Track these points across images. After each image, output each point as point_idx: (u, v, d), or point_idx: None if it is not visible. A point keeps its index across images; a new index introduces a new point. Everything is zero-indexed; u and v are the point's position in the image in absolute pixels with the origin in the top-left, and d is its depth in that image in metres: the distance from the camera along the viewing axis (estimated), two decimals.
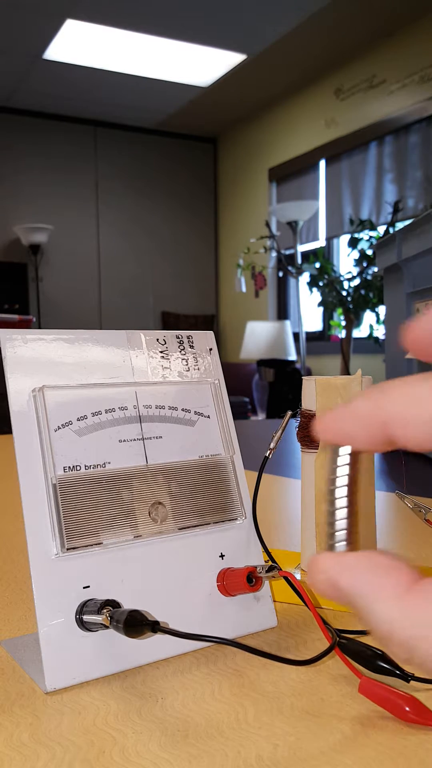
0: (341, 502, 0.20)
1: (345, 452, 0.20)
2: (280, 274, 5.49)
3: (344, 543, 0.20)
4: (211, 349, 0.48)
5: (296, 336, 4.72)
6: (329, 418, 0.20)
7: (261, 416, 4.57)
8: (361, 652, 0.37)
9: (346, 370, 3.92)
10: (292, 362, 4.59)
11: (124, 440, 0.42)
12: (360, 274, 3.91)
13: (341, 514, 0.20)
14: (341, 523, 0.20)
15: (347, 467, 0.20)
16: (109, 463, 0.41)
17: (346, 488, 0.20)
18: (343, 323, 4.04)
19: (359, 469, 0.20)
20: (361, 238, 3.90)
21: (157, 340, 0.46)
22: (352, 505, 0.20)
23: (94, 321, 5.70)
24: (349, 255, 4.03)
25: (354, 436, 0.19)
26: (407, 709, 0.33)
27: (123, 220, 5.82)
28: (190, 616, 0.41)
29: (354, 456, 0.20)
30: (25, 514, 0.38)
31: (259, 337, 4.72)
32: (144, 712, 0.34)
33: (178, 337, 0.47)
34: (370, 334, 3.89)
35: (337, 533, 0.20)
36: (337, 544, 0.20)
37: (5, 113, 5.31)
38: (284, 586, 0.49)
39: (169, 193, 5.97)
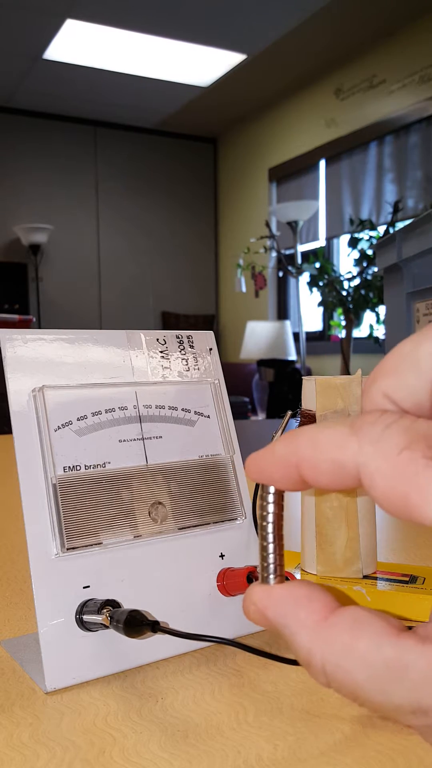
0: (270, 537, 0.22)
1: (271, 491, 0.22)
2: (280, 274, 5.49)
3: (272, 576, 0.22)
4: (211, 349, 0.48)
5: (296, 336, 4.72)
6: (252, 459, 0.22)
7: (261, 416, 4.57)
8: None
9: (346, 370, 3.93)
10: (292, 362, 4.59)
11: (124, 440, 0.42)
12: (360, 274, 3.91)
13: (270, 548, 0.22)
14: (271, 557, 0.22)
15: (273, 505, 0.22)
16: (109, 463, 0.41)
17: (273, 525, 0.22)
18: (343, 323, 4.04)
19: (283, 507, 0.22)
20: (361, 238, 3.90)
21: (157, 340, 0.46)
22: (279, 540, 0.22)
23: (94, 321, 5.70)
24: (349, 255, 4.04)
25: (273, 477, 0.21)
26: None
27: (123, 220, 5.82)
28: (190, 616, 0.41)
29: (278, 495, 0.22)
30: (25, 514, 0.38)
31: (259, 337, 4.72)
32: (144, 712, 0.34)
33: (178, 337, 0.47)
34: (370, 334, 3.89)
35: (268, 566, 0.22)
36: (267, 578, 0.22)
37: (5, 113, 5.31)
38: None
39: (169, 193, 5.97)
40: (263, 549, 0.22)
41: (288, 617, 0.20)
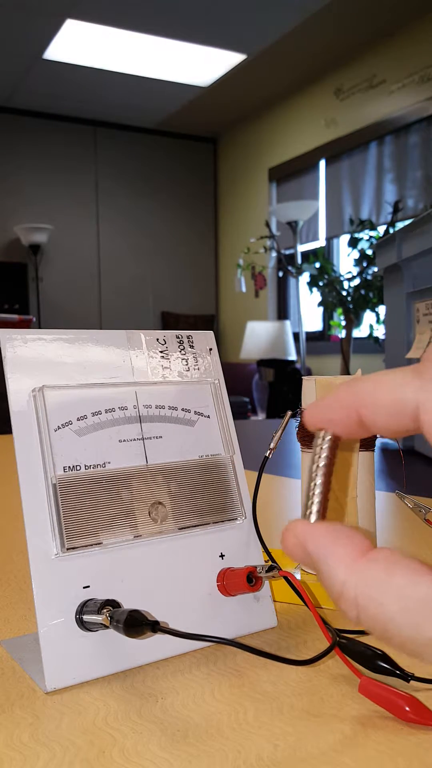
0: (319, 479, 0.23)
1: (327, 437, 0.23)
2: (280, 274, 5.49)
3: (317, 514, 0.23)
4: (211, 349, 0.48)
5: (296, 336, 4.72)
6: (314, 405, 0.23)
7: (261, 416, 4.57)
8: (361, 652, 0.37)
9: (346, 370, 3.93)
10: (292, 362, 4.59)
11: (124, 440, 0.42)
12: (360, 274, 3.91)
13: (318, 489, 0.23)
14: (317, 497, 0.23)
15: (328, 450, 0.23)
16: (109, 463, 0.41)
17: (325, 468, 0.23)
18: (343, 323, 4.04)
19: (337, 454, 0.24)
20: (361, 238, 3.90)
21: (157, 340, 0.46)
22: (327, 484, 0.23)
23: (94, 321, 5.70)
24: (349, 255, 4.03)
25: (333, 420, 0.23)
26: (407, 709, 0.33)
27: (123, 220, 5.82)
28: (190, 616, 0.41)
29: (334, 441, 0.23)
30: (25, 514, 0.38)
31: (259, 337, 4.72)
32: (144, 712, 0.34)
33: (178, 337, 0.47)
34: (370, 334, 3.89)
35: (312, 504, 0.23)
36: (311, 514, 0.23)
37: (5, 113, 5.31)
38: (284, 586, 0.49)
39: (169, 193, 5.97)
40: (311, 489, 0.23)
41: (327, 551, 0.21)
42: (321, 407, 0.23)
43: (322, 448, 0.24)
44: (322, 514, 0.23)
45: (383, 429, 0.21)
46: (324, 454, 0.23)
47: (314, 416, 0.23)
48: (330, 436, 0.23)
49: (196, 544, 0.43)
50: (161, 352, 0.46)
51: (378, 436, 0.52)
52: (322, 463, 0.23)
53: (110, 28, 4.04)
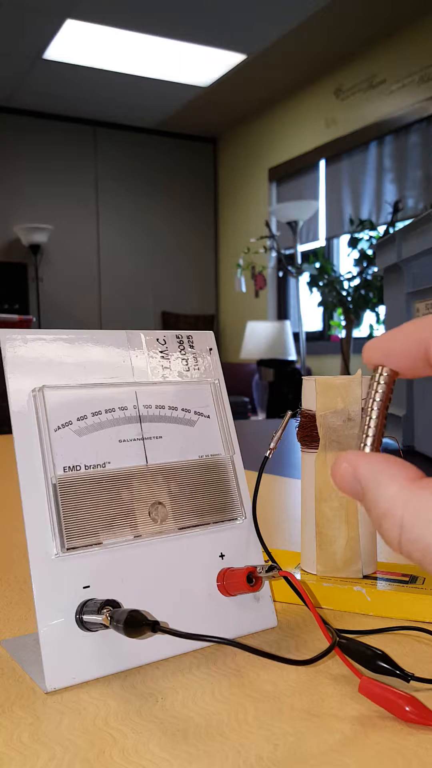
0: (375, 413, 0.24)
1: (385, 373, 0.24)
2: (280, 274, 5.49)
3: (370, 446, 0.24)
4: (211, 349, 0.48)
5: (296, 336, 4.72)
6: (377, 338, 0.23)
7: (261, 416, 4.57)
8: (361, 652, 0.37)
9: (346, 370, 3.93)
10: (292, 362, 4.59)
11: (124, 440, 0.42)
12: (360, 274, 3.91)
13: (373, 423, 0.24)
14: (372, 430, 0.24)
15: (385, 386, 0.24)
16: (109, 463, 0.41)
17: (380, 402, 0.24)
18: (343, 323, 4.04)
19: (392, 392, 0.24)
20: (361, 238, 3.90)
21: (157, 340, 0.46)
22: (382, 418, 0.24)
23: (94, 321, 5.70)
24: (349, 255, 4.04)
25: (399, 352, 0.23)
26: (407, 709, 0.33)
27: (123, 220, 5.82)
28: (190, 616, 0.41)
29: (391, 377, 0.24)
30: (25, 514, 0.38)
31: (259, 337, 4.72)
32: (144, 712, 0.34)
33: (178, 337, 0.47)
34: (370, 334, 3.89)
35: (367, 438, 0.24)
36: (365, 446, 0.24)
37: (5, 113, 5.31)
38: (284, 586, 0.49)
39: (169, 193, 5.97)
40: (366, 423, 0.24)
41: (379, 472, 0.21)
42: (385, 339, 0.23)
43: (379, 383, 0.24)
44: (376, 448, 0.24)
45: None
46: (381, 389, 0.24)
47: (376, 348, 0.23)
48: (388, 372, 0.23)
49: (196, 544, 0.43)
50: (161, 352, 0.46)
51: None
52: (378, 398, 0.24)
53: (110, 28, 4.04)
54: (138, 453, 0.42)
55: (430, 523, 0.19)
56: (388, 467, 0.21)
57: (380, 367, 0.24)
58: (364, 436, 0.24)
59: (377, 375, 0.24)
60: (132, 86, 4.89)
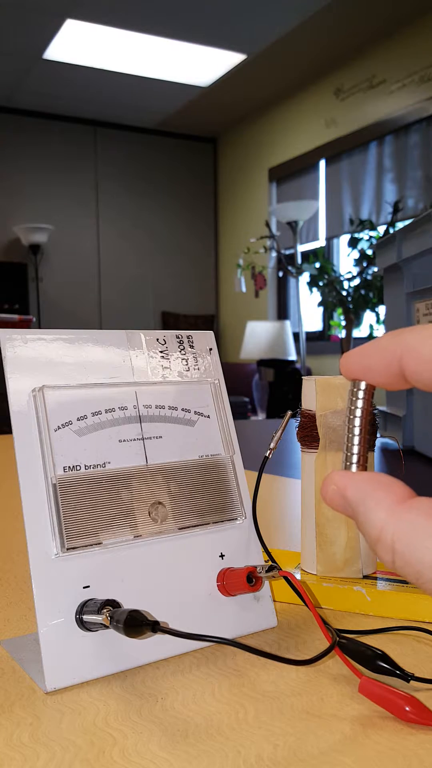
0: (356, 430, 0.23)
1: (363, 387, 0.23)
2: (280, 274, 5.49)
3: (355, 465, 0.23)
4: (211, 349, 0.48)
5: (296, 336, 4.72)
6: (353, 352, 0.23)
7: (261, 416, 4.57)
8: (361, 652, 0.37)
9: None
10: (292, 362, 4.59)
11: (124, 440, 0.42)
12: (360, 274, 3.91)
13: (356, 440, 0.23)
14: (355, 447, 0.23)
15: (363, 401, 0.23)
16: (109, 463, 0.41)
17: (360, 419, 0.23)
18: (343, 323, 4.04)
19: (372, 404, 0.24)
20: (361, 238, 3.90)
21: (157, 340, 0.46)
22: (365, 434, 0.23)
23: (94, 321, 5.70)
24: (349, 255, 4.04)
25: (374, 367, 0.22)
26: (407, 709, 0.33)
27: (123, 220, 5.82)
28: (190, 616, 0.41)
29: (368, 391, 0.23)
30: (25, 514, 0.38)
31: (259, 337, 4.72)
32: (144, 712, 0.34)
33: (178, 337, 0.47)
34: (370, 334, 3.89)
35: (352, 455, 0.23)
36: (351, 465, 0.23)
37: (5, 113, 5.31)
38: (284, 586, 0.49)
39: (169, 193, 5.97)
40: (349, 440, 0.23)
41: (367, 496, 0.21)
42: (361, 354, 0.23)
43: (357, 398, 0.23)
44: (362, 465, 0.23)
45: (426, 382, 0.21)
46: (360, 405, 0.23)
47: (353, 363, 0.23)
48: (365, 386, 0.23)
49: (196, 544, 0.43)
50: (161, 352, 0.46)
51: (379, 435, 0.52)
52: (358, 414, 0.23)
53: (110, 28, 4.04)
54: (138, 453, 0.42)
55: (420, 545, 0.19)
56: (375, 490, 0.21)
57: (358, 381, 0.23)
58: (349, 453, 0.23)
59: (355, 389, 0.23)
60: (132, 86, 4.89)
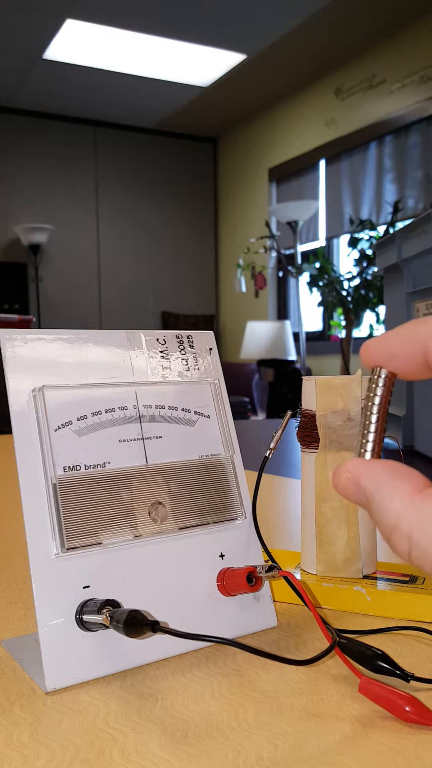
0: (374, 418, 0.23)
1: (384, 375, 0.23)
2: (280, 274, 5.49)
3: (370, 452, 0.23)
4: (211, 349, 0.48)
5: (296, 336, 4.72)
6: (376, 339, 0.22)
7: (261, 416, 4.57)
8: (361, 652, 0.37)
9: (346, 370, 3.93)
10: (292, 362, 4.59)
11: (124, 440, 0.42)
12: (360, 274, 3.91)
13: (372, 428, 0.23)
14: (371, 435, 0.23)
15: (383, 388, 0.23)
16: (109, 463, 0.41)
17: (378, 407, 0.23)
18: (343, 323, 4.04)
19: (392, 393, 0.23)
20: (361, 238, 3.90)
21: (157, 340, 0.46)
22: (382, 422, 0.23)
23: (94, 321, 5.70)
24: (349, 255, 4.04)
25: (398, 355, 0.22)
26: (407, 709, 0.33)
27: (123, 220, 5.82)
28: (190, 616, 0.41)
29: (389, 379, 0.23)
30: (25, 514, 0.38)
31: (259, 337, 4.72)
32: (144, 712, 0.34)
33: (178, 337, 0.47)
34: (370, 334, 3.89)
35: (367, 443, 0.23)
36: (365, 452, 0.23)
37: (5, 113, 5.31)
38: (284, 586, 0.49)
39: (169, 193, 5.97)
40: (366, 427, 0.23)
41: (383, 485, 0.20)
42: (384, 341, 0.22)
43: (377, 385, 0.23)
44: (377, 453, 0.23)
45: None
46: (379, 392, 0.23)
47: (375, 350, 0.23)
48: (386, 374, 0.23)
49: (196, 544, 0.43)
50: (161, 352, 0.46)
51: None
52: (377, 401, 0.23)
53: (110, 28, 4.04)
54: (138, 453, 0.42)
55: None
56: (392, 478, 0.21)
57: (378, 369, 0.23)
58: (364, 441, 0.23)
59: (375, 377, 0.23)
60: (132, 86, 4.89)
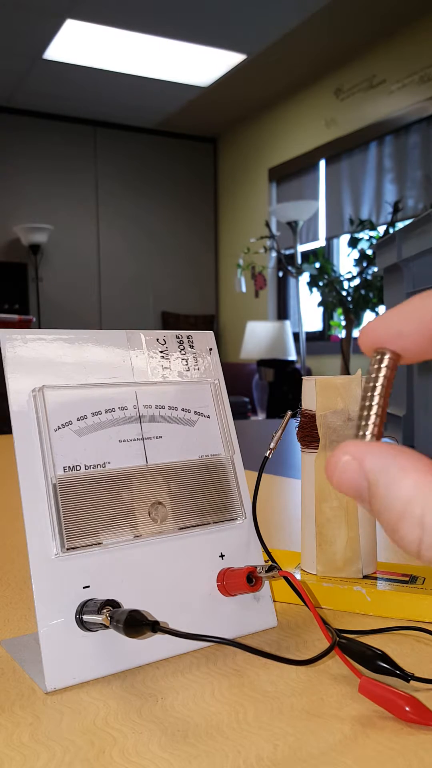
0: (375, 399, 0.21)
1: (387, 355, 0.21)
2: (280, 274, 5.49)
3: (370, 435, 0.21)
4: (211, 349, 0.48)
5: (296, 336, 4.72)
6: (380, 317, 0.21)
7: (261, 416, 4.57)
8: (361, 652, 0.37)
9: (346, 370, 3.92)
10: (292, 362, 4.59)
11: (124, 440, 0.42)
12: (360, 274, 3.91)
13: (374, 409, 0.21)
14: (372, 417, 0.21)
15: (386, 369, 0.21)
16: (109, 463, 0.41)
17: (381, 387, 0.21)
18: (343, 323, 4.04)
19: (394, 377, 0.22)
20: (361, 238, 3.90)
21: (157, 340, 0.46)
22: (384, 405, 0.21)
23: (94, 321, 5.70)
24: (349, 255, 4.04)
25: (404, 332, 0.20)
26: (407, 709, 0.33)
27: (123, 220, 5.82)
28: (190, 616, 0.41)
29: (393, 360, 0.21)
30: (25, 514, 0.38)
31: (259, 337, 4.72)
32: (144, 712, 0.34)
33: (178, 337, 0.47)
34: None
35: (367, 426, 0.21)
36: (365, 435, 0.21)
37: (5, 113, 5.31)
38: (284, 586, 0.49)
39: (169, 193, 5.97)
40: (366, 408, 0.21)
41: (391, 464, 0.18)
42: (387, 320, 0.21)
43: (380, 367, 0.21)
44: (378, 436, 0.21)
45: None
46: (382, 374, 0.21)
47: (378, 330, 0.21)
48: (390, 355, 0.21)
49: (196, 544, 0.43)
50: (161, 352, 0.46)
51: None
52: (379, 383, 0.21)
53: (110, 28, 4.04)
54: (138, 453, 0.42)
55: None
56: (399, 457, 0.18)
57: (381, 352, 0.22)
58: (364, 423, 0.21)
59: (378, 358, 0.22)
60: (132, 86, 4.89)
